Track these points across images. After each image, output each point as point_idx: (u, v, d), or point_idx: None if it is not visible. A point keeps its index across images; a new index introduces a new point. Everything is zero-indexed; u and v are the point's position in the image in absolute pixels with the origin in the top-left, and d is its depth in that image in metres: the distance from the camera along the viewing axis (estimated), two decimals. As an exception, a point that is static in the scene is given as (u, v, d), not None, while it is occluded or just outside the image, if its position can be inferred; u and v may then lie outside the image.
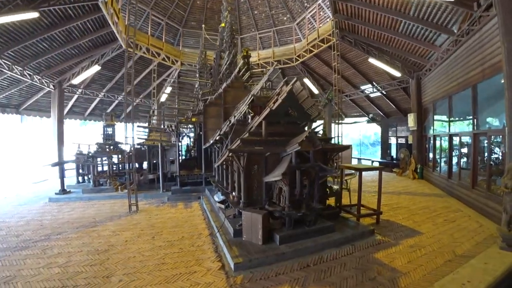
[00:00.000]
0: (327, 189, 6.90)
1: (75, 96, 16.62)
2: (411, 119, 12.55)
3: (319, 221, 5.80)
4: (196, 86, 15.53)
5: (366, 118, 18.99)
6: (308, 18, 15.36)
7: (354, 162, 20.25)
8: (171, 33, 17.05)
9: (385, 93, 15.69)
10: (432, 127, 11.37)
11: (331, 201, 7.30)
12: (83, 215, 7.99)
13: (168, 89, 18.28)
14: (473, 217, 6.93)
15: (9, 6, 8.93)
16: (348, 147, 7.92)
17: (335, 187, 8.03)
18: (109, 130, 12.36)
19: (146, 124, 15.21)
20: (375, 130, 22.44)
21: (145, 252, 5.27)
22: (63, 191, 10.65)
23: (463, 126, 9.21)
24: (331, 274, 4.36)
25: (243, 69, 12.44)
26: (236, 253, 4.82)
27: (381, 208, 6.78)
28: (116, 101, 18.46)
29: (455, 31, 8.78)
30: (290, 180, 5.36)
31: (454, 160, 9.53)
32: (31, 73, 13.07)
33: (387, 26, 10.82)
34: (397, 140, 16.93)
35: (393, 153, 16.97)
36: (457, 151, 9.35)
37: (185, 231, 6.42)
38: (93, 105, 18.01)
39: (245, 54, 13.89)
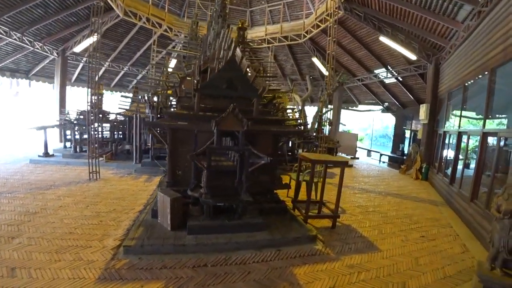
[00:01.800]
0: (274, 180, 5.72)
1: (81, 65, 16.43)
2: (423, 110, 10.50)
3: (248, 215, 4.73)
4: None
5: (381, 107, 16.82)
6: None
7: (362, 153, 18.36)
8: (177, 3, 15.92)
9: (401, 79, 13.47)
10: (443, 122, 9.38)
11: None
12: (48, 178, 7.89)
13: (173, 62, 17.43)
14: (461, 237, 5.33)
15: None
16: (299, 132, 6.47)
17: (306, 178, 6.76)
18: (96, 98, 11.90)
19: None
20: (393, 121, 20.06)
21: (67, 219, 5.02)
22: (45, 154, 10.65)
23: (474, 123, 7.27)
24: (221, 282, 3.34)
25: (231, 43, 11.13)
26: (136, 234, 4.24)
27: (353, 211, 5.88)
28: (122, 72, 18.05)
29: (479, -1, 6.72)
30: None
31: (461, 163, 7.70)
32: (31, 40, 12.91)
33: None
34: (411, 134, 14.74)
35: (406, 147, 14.88)
36: (465, 152, 7.49)
37: (122, 204, 5.99)
38: (100, 74, 17.73)
39: (240, 26, 12.52)
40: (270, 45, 15.71)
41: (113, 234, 4.52)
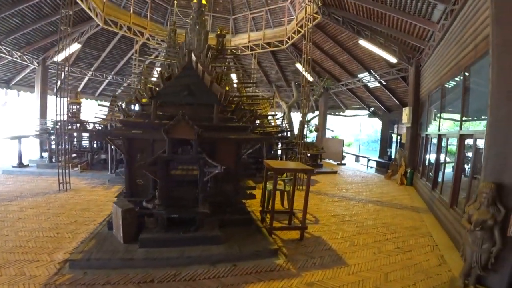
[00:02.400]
0: (239, 190, 5.29)
1: (63, 74, 16.01)
2: (406, 113, 10.16)
3: (206, 227, 4.34)
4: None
5: (367, 112, 16.52)
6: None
7: (351, 159, 17.98)
8: (160, 11, 15.68)
9: (384, 83, 13.20)
10: (426, 125, 9.03)
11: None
12: (17, 189, 7.58)
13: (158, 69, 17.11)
14: (440, 248, 4.88)
15: None
16: (260, 139, 6.05)
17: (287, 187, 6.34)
18: (74, 108, 11.51)
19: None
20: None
21: (22, 232, 4.74)
22: (19, 164, 10.19)
23: (453, 125, 6.92)
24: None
25: (208, 50, 10.84)
26: (86, 248, 3.92)
27: (327, 220, 5.55)
28: (106, 81, 17.67)
29: (450, -3, 6.43)
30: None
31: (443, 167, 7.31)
32: (9, 49, 12.56)
33: (374, -3, 8.49)
34: (397, 138, 14.40)
35: (393, 152, 14.51)
36: (445, 155, 7.11)
37: (85, 216, 5.69)
38: (82, 84, 17.32)
39: (219, 32, 12.26)
40: (253, 51, 15.46)
41: (65, 247, 4.21)
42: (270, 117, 11.73)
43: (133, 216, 4.26)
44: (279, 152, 12.00)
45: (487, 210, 3.08)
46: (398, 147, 12.94)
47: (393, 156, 13.92)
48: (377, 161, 14.66)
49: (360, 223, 5.93)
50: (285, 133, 11.93)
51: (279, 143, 11.78)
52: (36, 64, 14.05)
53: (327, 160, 15.32)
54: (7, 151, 14.09)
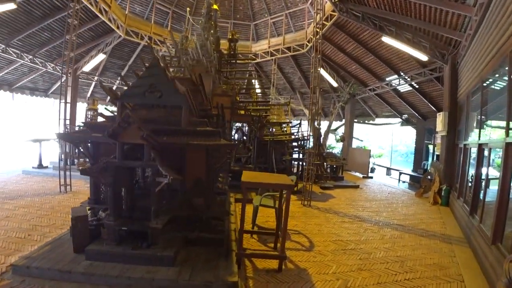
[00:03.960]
0: (210, 204, 4.38)
1: (93, 83, 16.78)
2: (440, 120, 8.38)
3: (160, 245, 3.69)
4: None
5: (400, 120, 14.52)
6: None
7: (380, 172, 15.91)
8: (182, 21, 15.67)
9: (417, 86, 11.36)
10: (465, 133, 7.24)
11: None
12: (24, 188, 7.72)
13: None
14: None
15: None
16: (229, 146, 4.96)
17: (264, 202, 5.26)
18: (91, 113, 11.69)
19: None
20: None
21: (0, 230, 4.67)
22: (39, 165, 10.47)
23: (498, 132, 5.23)
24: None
25: (218, 54, 10.27)
26: (38, 253, 3.62)
27: (325, 247, 4.54)
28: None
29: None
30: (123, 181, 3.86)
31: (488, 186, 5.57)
32: (43, 61, 13.32)
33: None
34: (434, 149, 12.23)
35: (429, 165, 12.32)
36: (487, 170, 5.40)
37: (67, 219, 5.18)
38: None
39: (231, 37, 11.67)
40: (273, 57, 14.64)
41: (26, 250, 3.95)
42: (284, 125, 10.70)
43: (85, 225, 3.80)
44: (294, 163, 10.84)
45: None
46: (434, 160, 10.91)
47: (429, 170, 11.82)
48: (410, 175, 12.60)
49: (367, 254, 4.57)
50: (301, 142, 10.72)
51: (296, 152, 10.63)
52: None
53: (353, 173, 13.65)
54: (32, 153, 14.96)
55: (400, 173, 13.07)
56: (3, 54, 11.48)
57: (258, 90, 18.31)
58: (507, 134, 4.14)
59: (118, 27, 12.66)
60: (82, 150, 4.65)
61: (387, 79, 12.52)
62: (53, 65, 13.75)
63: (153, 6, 14.30)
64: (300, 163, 10.15)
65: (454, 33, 7.28)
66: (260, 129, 9.55)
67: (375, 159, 17.40)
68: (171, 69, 9.88)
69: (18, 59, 12.22)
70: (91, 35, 13.14)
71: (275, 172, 8.87)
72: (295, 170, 10.66)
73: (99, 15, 11.19)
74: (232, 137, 12.94)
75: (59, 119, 8.22)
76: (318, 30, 7.80)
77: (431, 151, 12.78)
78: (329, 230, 5.57)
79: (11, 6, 9.06)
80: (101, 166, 3.79)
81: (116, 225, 3.70)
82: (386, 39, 8.93)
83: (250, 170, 9.22)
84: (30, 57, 12.56)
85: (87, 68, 14.57)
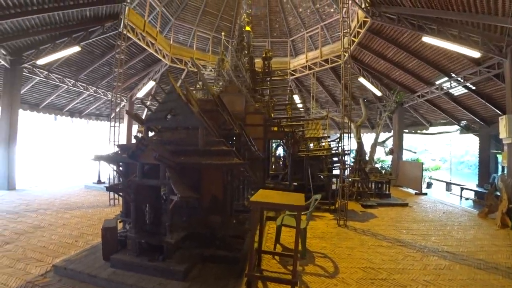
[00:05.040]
0: (227, 222, 4.29)
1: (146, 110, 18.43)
2: (503, 124, 7.05)
3: (175, 259, 3.82)
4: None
5: (458, 127, 12.68)
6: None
7: (439, 187, 13.95)
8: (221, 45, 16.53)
9: (473, 87, 9.83)
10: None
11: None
12: (82, 200, 8.65)
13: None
14: None
15: (62, 45, 10.32)
16: (242, 164, 4.66)
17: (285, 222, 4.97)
18: (139, 135, 12.78)
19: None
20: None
21: (55, 235, 5.32)
22: (98, 181, 11.65)
23: None
24: None
25: (253, 73, 10.43)
26: (74, 257, 4.10)
27: (351, 274, 4.11)
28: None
29: None
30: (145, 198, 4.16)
31: None
32: (104, 91, 15.27)
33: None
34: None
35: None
36: None
37: None
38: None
39: (264, 55, 11.80)
40: (311, 71, 14.39)
41: (69, 253, 4.43)
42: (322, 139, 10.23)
43: (113, 235, 4.15)
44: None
45: None
46: (503, 172, 9.17)
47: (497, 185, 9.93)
48: (475, 191, 10.75)
49: (401, 287, 3.92)
50: (341, 157, 10.06)
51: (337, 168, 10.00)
52: (125, 101, 16.61)
53: (405, 189, 12.27)
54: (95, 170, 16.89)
55: (462, 189, 11.25)
56: (73, 88, 13.47)
57: (299, 105, 18.11)
58: None
59: (164, 56, 13.94)
60: (115, 169, 5.10)
61: (436, 82, 11.17)
62: (112, 93, 15.65)
63: (194, 34, 15.45)
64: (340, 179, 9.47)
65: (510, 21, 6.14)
66: (294, 145, 9.27)
67: (431, 172, 15.41)
68: (215, 89, 10.46)
69: (84, 91, 14.23)
70: (142, 65, 14.67)
71: (312, 189, 8.43)
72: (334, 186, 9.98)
73: (147, 48, 12.48)
74: (275, 154, 12.86)
75: (109, 141, 9.12)
76: (359, 29, 7.29)
77: (500, 161, 10.79)
78: (361, 254, 4.97)
79: (77, 49, 10.65)
80: (125, 184, 4.19)
81: (136, 237, 3.98)
82: (428, 39, 8.04)
83: (285, 187, 8.97)
84: (94, 88, 14.49)
85: (140, 94, 16.21)
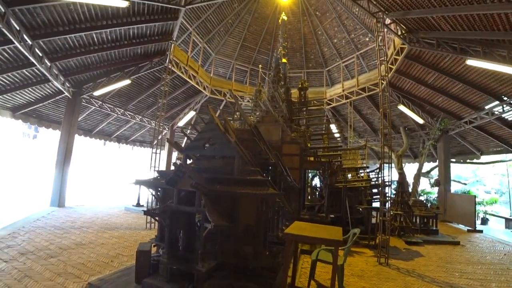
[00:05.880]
0: (259, 254, 4.10)
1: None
2: None
3: None
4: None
5: (515, 156, 11.33)
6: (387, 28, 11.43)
7: (497, 224, 12.23)
8: (256, 76, 17.18)
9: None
10: None
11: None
12: (121, 222, 9.02)
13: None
14: None
15: (115, 78, 11.56)
16: (274, 194, 4.43)
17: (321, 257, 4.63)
18: (178, 161, 13.31)
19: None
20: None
21: (94, 254, 5.54)
22: (137, 204, 12.04)
23: None
24: None
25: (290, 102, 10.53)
26: (108, 277, 4.32)
27: None
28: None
29: None
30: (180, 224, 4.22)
31: None
32: (149, 119, 16.46)
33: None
34: None
35: None
36: None
37: None
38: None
39: (300, 86, 11.91)
40: (348, 100, 14.16)
41: (104, 273, 4.64)
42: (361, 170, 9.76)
43: (146, 259, 4.19)
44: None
45: None
46: None
47: None
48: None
49: None
50: (381, 188, 9.42)
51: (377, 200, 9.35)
52: (167, 129, 17.68)
53: (454, 225, 11.00)
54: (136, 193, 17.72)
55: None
56: (122, 116, 14.71)
57: (337, 135, 17.72)
58: None
59: (204, 88, 14.78)
60: (153, 194, 5.29)
61: (486, 107, 10.26)
62: (155, 122, 16.79)
63: (233, 67, 16.31)
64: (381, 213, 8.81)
65: None
66: (331, 176, 8.92)
67: (485, 206, 13.70)
68: (251, 119, 10.74)
69: (131, 119, 15.43)
70: (184, 96, 15.64)
71: (350, 222, 7.92)
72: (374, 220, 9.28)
73: (189, 80, 13.37)
74: (311, 185, 12.49)
75: (150, 166, 9.59)
76: (396, 56, 7.12)
77: None
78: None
79: (128, 82, 11.76)
80: (161, 209, 4.26)
81: (168, 263, 3.95)
82: (473, 62, 7.52)
83: (321, 219, 8.53)
84: (140, 117, 15.68)
85: (181, 123, 17.17)
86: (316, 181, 13.73)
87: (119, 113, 14.35)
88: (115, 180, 25.76)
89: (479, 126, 11.50)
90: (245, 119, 6.74)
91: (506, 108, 9.52)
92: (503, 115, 10.07)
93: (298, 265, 5.06)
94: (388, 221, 6.38)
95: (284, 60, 11.83)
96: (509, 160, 12.30)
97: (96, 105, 12.86)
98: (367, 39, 13.26)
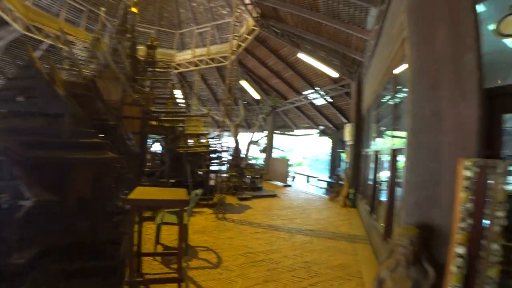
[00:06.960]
0: (98, 227, 3.62)
1: None
2: (347, 130, 9.22)
3: (27, 285, 2.73)
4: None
5: (317, 131, 15.71)
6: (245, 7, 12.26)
7: (301, 180, 16.82)
8: (100, 23, 13.97)
9: (331, 100, 12.45)
10: (367, 142, 8.05)
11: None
12: None
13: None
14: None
15: None
16: (116, 159, 4.43)
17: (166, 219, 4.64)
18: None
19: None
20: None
21: None
22: None
23: (386, 140, 5.88)
24: None
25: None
26: None
27: (233, 261, 4.27)
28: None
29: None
30: None
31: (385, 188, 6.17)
32: None
33: (307, 6, 7.57)
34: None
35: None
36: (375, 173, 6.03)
37: None
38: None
39: (150, 44, 10.77)
40: (197, 67, 14.19)
41: None
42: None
43: None
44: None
45: (407, 273, 1.71)
46: (346, 167, 11.95)
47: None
48: (327, 182, 13.56)
49: (275, 263, 4.40)
50: (220, 153, 10.26)
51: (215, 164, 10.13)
52: None
53: (274, 182, 13.97)
54: None
55: (318, 180, 13.93)
56: None
57: (181, 101, 17.45)
58: (392, 143, 4.57)
59: (14, 20, 10.49)
60: None
61: (304, 92, 13.38)
62: None
63: (65, 1, 12.37)
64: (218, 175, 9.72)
65: (358, 54, 8.12)
66: (174, 141, 8.83)
67: (294, 167, 18.29)
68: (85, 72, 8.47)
69: None
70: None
71: (191, 185, 8.22)
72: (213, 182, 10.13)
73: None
74: (151, 151, 11.79)
75: None
76: (247, 36, 7.59)
77: (343, 158, 14.06)
78: (240, 242, 5.27)
79: None
80: None
81: None
82: (302, 56, 9.47)
83: (163, 184, 8.43)
84: None
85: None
86: (156, 147, 13.26)
87: None
88: None
89: (298, 107, 14.87)
90: (79, 70, 5.41)
91: (316, 95, 12.77)
92: (313, 101, 13.42)
93: (142, 232, 4.84)
94: (225, 182, 7.19)
95: (134, 10, 10.17)
96: (313, 134, 16.68)
97: None
98: (225, 12, 13.55)
